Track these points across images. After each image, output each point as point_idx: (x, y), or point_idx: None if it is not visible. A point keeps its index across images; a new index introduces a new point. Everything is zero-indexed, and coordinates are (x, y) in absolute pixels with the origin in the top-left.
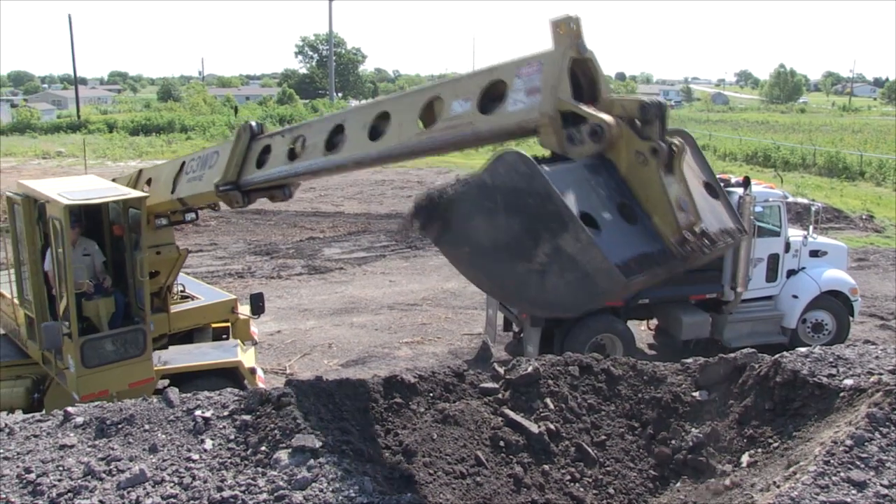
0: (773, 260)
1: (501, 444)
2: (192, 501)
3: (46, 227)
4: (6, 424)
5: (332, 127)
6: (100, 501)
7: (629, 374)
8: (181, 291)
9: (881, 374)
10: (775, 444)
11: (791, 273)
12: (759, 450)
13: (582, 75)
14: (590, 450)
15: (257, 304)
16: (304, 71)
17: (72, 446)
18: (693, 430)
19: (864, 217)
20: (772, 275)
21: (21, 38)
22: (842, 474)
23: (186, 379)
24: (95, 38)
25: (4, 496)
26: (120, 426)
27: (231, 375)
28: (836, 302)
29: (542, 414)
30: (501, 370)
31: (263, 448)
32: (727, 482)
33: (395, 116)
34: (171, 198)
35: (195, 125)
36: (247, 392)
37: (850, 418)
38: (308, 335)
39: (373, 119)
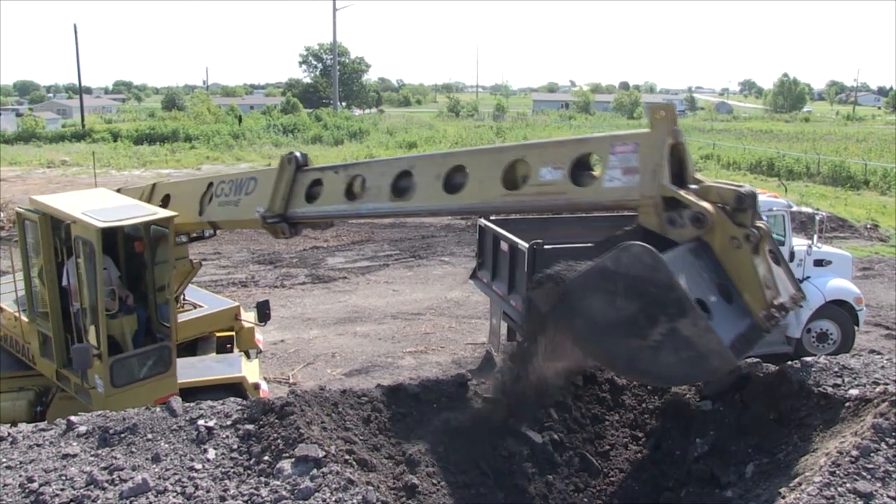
0: None
1: (505, 454)
2: None
3: (67, 244)
4: (9, 433)
5: (398, 172)
6: None
7: (633, 383)
8: (183, 299)
9: (887, 383)
10: (780, 455)
11: None
12: (764, 460)
13: (672, 157)
14: (594, 460)
15: (263, 312)
16: (307, 80)
17: (75, 455)
18: (697, 440)
19: (868, 226)
20: None
21: (26, 47)
22: (847, 485)
23: (190, 393)
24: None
25: None
26: (123, 435)
27: (235, 390)
28: (840, 311)
29: (546, 424)
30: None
31: (266, 458)
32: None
33: (474, 173)
34: (199, 220)
35: (199, 134)
36: (250, 401)
37: (856, 429)
38: (311, 344)
39: (447, 171)
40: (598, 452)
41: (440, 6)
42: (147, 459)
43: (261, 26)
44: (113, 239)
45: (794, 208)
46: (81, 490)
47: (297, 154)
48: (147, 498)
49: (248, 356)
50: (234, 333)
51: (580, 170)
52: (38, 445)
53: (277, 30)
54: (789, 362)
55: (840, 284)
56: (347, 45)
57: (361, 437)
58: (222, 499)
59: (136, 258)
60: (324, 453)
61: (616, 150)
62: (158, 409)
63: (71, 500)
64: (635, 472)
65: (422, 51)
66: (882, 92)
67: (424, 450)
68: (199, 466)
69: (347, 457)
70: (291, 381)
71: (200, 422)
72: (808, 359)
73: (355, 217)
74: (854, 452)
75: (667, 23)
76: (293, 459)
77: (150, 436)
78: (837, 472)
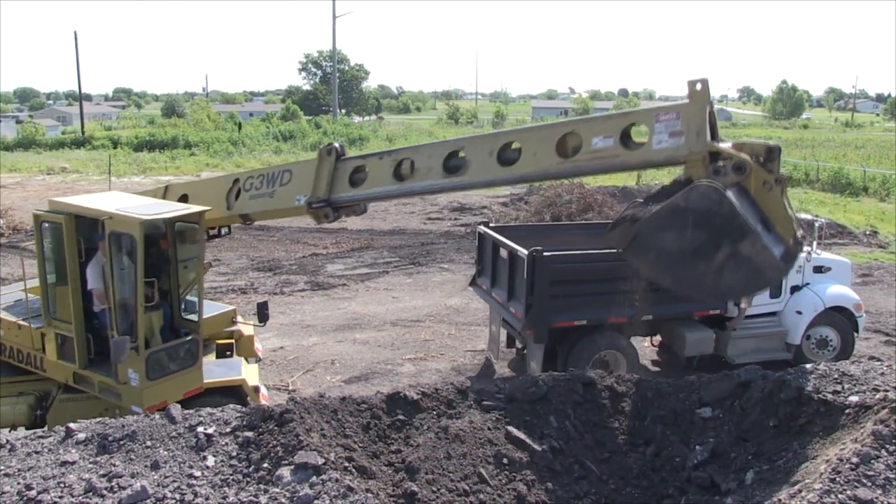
0: None
1: (505, 461)
2: None
3: (90, 244)
4: (7, 440)
5: (447, 153)
6: None
7: (633, 390)
8: None
9: (887, 390)
10: (780, 462)
11: (795, 289)
12: (764, 467)
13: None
14: (593, 467)
15: (263, 312)
16: (307, 87)
17: (73, 463)
18: (697, 447)
19: (867, 233)
20: (776, 291)
21: (26, 54)
22: (848, 492)
23: (190, 397)
24: (100, 54)
25: None
26: (122, 442)
27: (235, 393)
28: (840, 318)
29: (546, 431)
30: (505, 387)
31: (266, 465)
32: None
33: (528, 146)
34: (227, 214)
35: (199, 141)
36: (249, 408)
37: (856, 435)
38: (311, 351)
39: (499, 148)
40: (597, 460)
41: (439, 14)
42: (146, 466)
43: (260, 33)
44: None
45: None
46: (80, 497)
47: (337, 145)
48: None
49: (247, 362)
50: (233, 341)
51: (625, 138)
52: (36, 453)
53: (277, 37)
54: (789, 369)
55: (839, 291)
56: (347, 53)
57: (361, 445)
58: None
59: (155, 256)
60: (323, 460)
61: (661, 118)
62: (157, 416)
63: None
64: (635, 479)
65: (421, 58)
66: (880, 98)
67: (424, 457)
68: (198, 474)
69: (347, 464)
70: (291, 388)
71: (199, 429)
72: (808, 365)
73: (408, 195)
74: (854, 459)
75: (665, 30)
76: (292, 467)
77: (148, 443)
78: (838, 479)
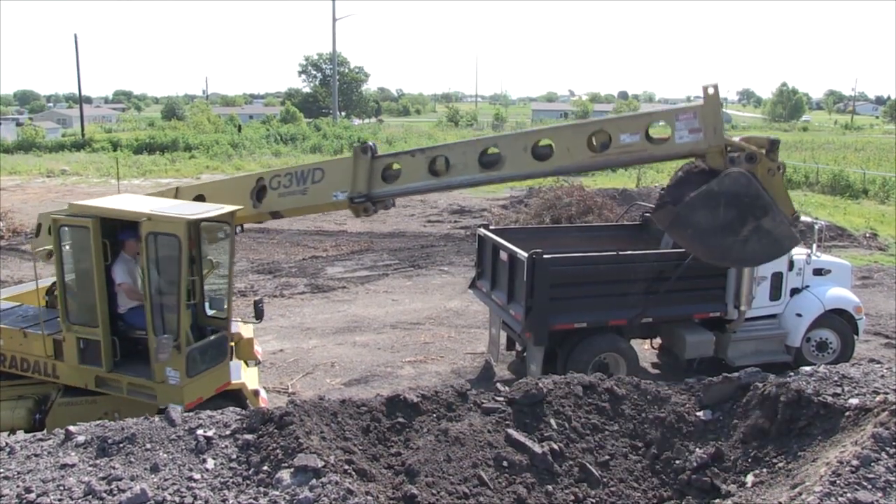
0: (777, 278)
1: (505, 464)
2: None
3: (117, 247)
4: (7, 443)
5: (481, 150)
6: None
7: (633, 393)
8: None
9: (887, 393)
10: (780, 464)
11: (795, 291)
12: (764, 470)
13: None
14: (593, 470)
15: (258, 308)
16: (307, 90)
17: (73, 465)
18: (697, 449)
19: (867, 235)
20: (775, 293)
21: (27, 57)
22: (848, 495)
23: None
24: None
25: None
26: (121, 445)
27: (234, 397)
28: (840, 320)
29: (546, 433)
30: (504, 389)
31: (265, 468)
32: None
33: (560, 143)
34: (256, 211)
35: (199, 144)
36: (249, 411)
37: (856, 438)
38: (310, 354)
39: (532, 144)
40: (597, 462)
41: (440, 16)
42: (146, 469)
43: (260, 36)
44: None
45: None
46: (79, 500)
47: (371, 143)
48: None
49: (247, 365)
50: (233, 344)
51: (647, 135)
52: (35, 455)
53: (277, 39)
54: (789, 371)
55: (839, 293)
56: (347, 55)
57: (360, 447)
58: None
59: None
60: (323, 463)
61: (680, 117)
62: (157, 419)
63: None
64: (635, 481)
65: (421, 61)
66: (880, 101)
67: (424, 460)
68: (197, 476)
69: (347, 467)
70: (290, 390)
71: (199, 431)
72: (808, 368)
73: (445, 188)
74: (854, 462)
75: (665, 32)
76: (292, 469)
77: (148, 445)
78: (838, 481)
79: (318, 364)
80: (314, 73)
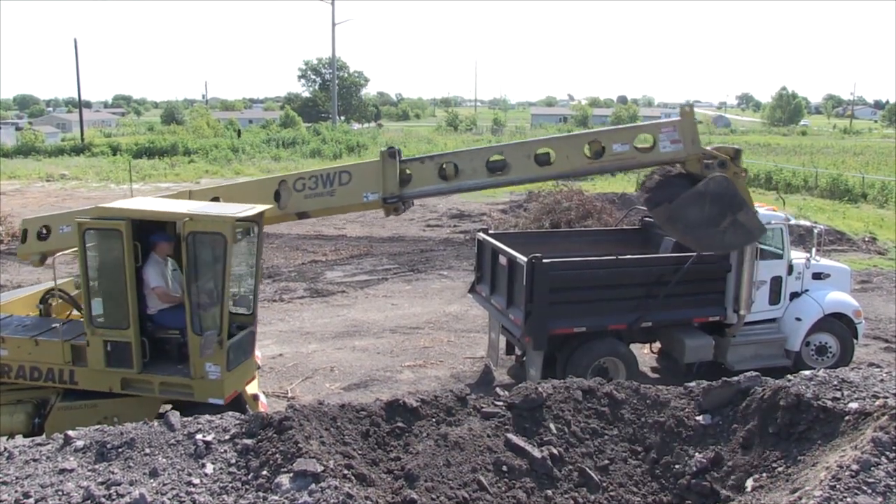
0: (776, 282)
1: (504, 468)
2: None
3: (146, 249)
4: (5, 448)
5: (487, 157)
6: None
7: (632, 397)
8: None
9: (886, 397)
10: (780, 469)
11: (794, 296)
12: (764, 474)
13: None
14: (593, 474)
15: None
16: (306, 94)
17: (71, 470)
18: (697, 454)
19: (866, 239)
20: (775, 297)
21: (26, 61)
22: (848, 499)
23: (189, 405)
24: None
25: None
26: (120, 450)
27: (234, 401)
28: (839, 324)
29: (545, 438)
30: (504, 394)
31: (265, 472)
32: None
33: (560, 151)
34: (282, 212)
35: (198, 148)
36: (248, 416)
37: (856, 442)
38: (310, 358)
39: (534, 152)
40: (597, 467)
41: (439, 21)
42: (145, 474)
43: (260, 41)
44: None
45: (793, 221)
46: None
47: (396, 148)
48: None
49: None
50: None
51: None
52: (34, 460)
53: (276, 44)
54: (788, 375)
55: (839, 297)
56: (346, 60)
57: (360, 452)
58: None
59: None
60: (322, 468)
61: (663, 130)
62: (156, 424)
63: None
64: (634, 486)
65: (420, 65)
66: (878, 105)
67: (423, 464)
68: (196, 481)
69: (346, 471)
70: (290, 395)
71: (198, 436)
72: (808, 372)
73: (456, 191)
74: (854, 466)
75: (665, 37)
76: (291, 474)
77: (147, 450)
78: (838, 486)
79: (317, 368)
80: (314, 77)
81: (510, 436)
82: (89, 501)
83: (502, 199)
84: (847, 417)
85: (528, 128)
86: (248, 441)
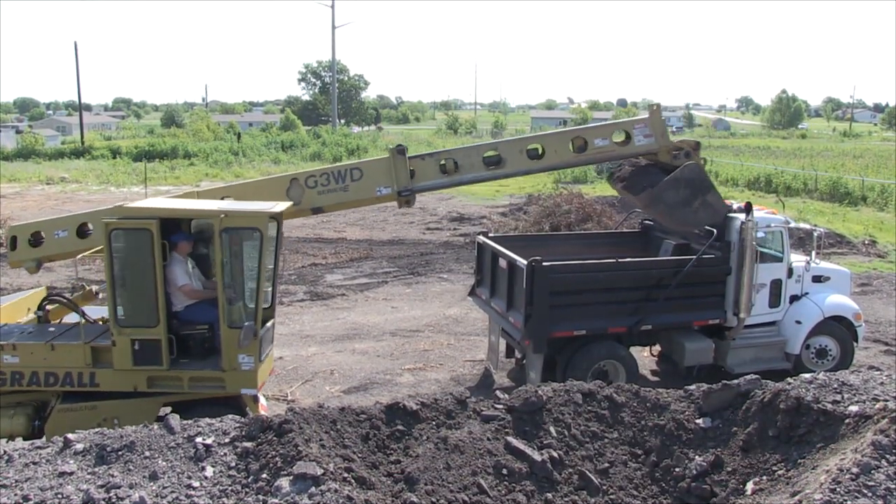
0: (776, 285)
1: (504, 471)
2: None
3: (178, 244)
4: (5, 451)
5: (484, 153)
6: None
7: (632, 400)
8: None
9: (887, 400)
10: (780, 472)
11: (794, 298)
12: (764, 477)
13: None
14: (593, 477)
15: None
16: (306, 97)
17: (71, 473)
18: (697, 457)
19: (866, 242)
20: (775, 300)
21: (26, 65)
22: (848, 503)
23: (188, 406)
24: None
25: None
26: (120, 453)
27: (233, 403)
28: (839, 327)
29: (545, 441)
30: (504, 397)
31: (265, 475)
32: None
33: (549, 146)
34: (296, 208)
35: (198, 151)
36: (248, 419)
37: (856, 445)
38: (310, 361)
39: (526, 148)
40: (597, 470)
41: (439, 24)
42: (144, 477)
43: (260, 44)
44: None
45: (792, 224)
46: None
47: (404, 146)
48: None
49: None
50: None
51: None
52: (34, 463)
53: (276, 47)
54: (788, 379)
55: (839, 300)
56: (346, 63)
57: (360, 455)
58: None
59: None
60: (322, 471)
61: (636, 126)
62: (156, 427)
63: None
64: (635, 489)
65: (421, 68)
66: (878, 108)
67: (423, 467)
68: (196, 484)
69: (346, 474)
70: (290, 398)
71: (198, 439)
72: (808, 375)
73: (458, 184)
74: (854, 469)
75: (665, 40)
76: (291, 477)
77: (147, 453)
78: (838, 489)
79: (317, 371)
80: (314, 80)
81: (510, 439)
82: None
83: (502, 202)
84: (847, 420)
85: (528, 130)
86: (248, 444)
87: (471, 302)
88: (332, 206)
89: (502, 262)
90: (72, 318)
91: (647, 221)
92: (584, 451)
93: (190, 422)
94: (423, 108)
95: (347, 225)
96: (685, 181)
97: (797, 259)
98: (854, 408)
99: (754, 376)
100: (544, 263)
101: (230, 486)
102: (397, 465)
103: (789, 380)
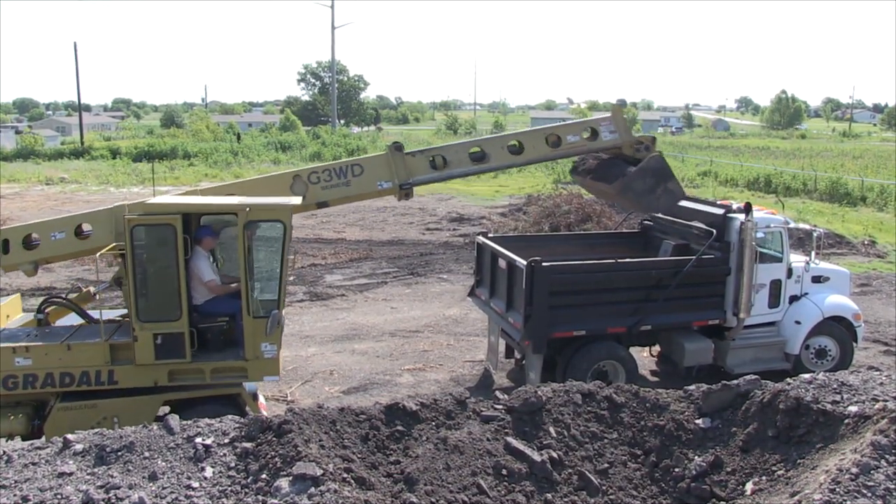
0: (776, 286)
1: (504, 472)
2: None
3: (201, 239)
4: (4, 452)
5: (470, 149)
6: None
7: (632, 401)
8: None
9: (886, 400)
10: (779, 472)
11: (794, 299)
12: (764, 478)
13: None
14: (592, 478)
15: None
16: (306, 98)
17: (70, 474)
18: (696, 457)
19: (866, 242)
20: (774, 301)
21: (26, 65)
22: (848, 503)
23: (188, 405)
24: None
25: None
26: (120, 453)
27: (233, 402)
28: (839, 328)
29: (545, 442)
30: (504, 397)
31: (264, 476)
32: None
33: (528, 143)
34: (303, 203)
35: (198, 152)
36: (248, 419)
37: (856, 446)
38: (309, 362)
39: (507, 144)
40: (597, 470)
41: (439, 25)
42: (144, 478)
43: (259, 44)
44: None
45: (792, 225)
46: None
47: (401, 143)
48: None
49: None
50: None
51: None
52: (33, 464)
53: (276, 48)
54: (788, 379)
55: (838, 301)
56: (346, 63)
57: (359, 455)
58: None
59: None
60: (321, 471)
61: (602, 124)
62: (156, 427)
63: None
64: (634, 490)
65: (420, 69)
66: (877, 109)
67: (423, 468)
68: (196, 485)
69: (345, 475)
70: (289, 398)
71: (198, 440)
72: (807, 375)
73: (448, 178)
74: (854, 470)
75: (664, 40)
76: (291, 478)
77: (146, 454)
78: (837, 489)
79: (316, 372)
80: (313, 81)
81: (510, 439)
82: None
83: (502, 203)
84: (846, 421)
85: None
86: (248, 444)
87: (470, 302)
88: (335, 200)
89: (502, 263)
90: (65, 320)
91: (647, 222)
92: (584, 451)
93: (189, 422)
94: (422, 108)
95: (347, 225)
96: (651, 171)
97: (797, 259)
98: (853, 408)
99: (754, 377)
100: (544, 264)
101: (230, 486)
102: (397, 466)
103: (789, 380)
